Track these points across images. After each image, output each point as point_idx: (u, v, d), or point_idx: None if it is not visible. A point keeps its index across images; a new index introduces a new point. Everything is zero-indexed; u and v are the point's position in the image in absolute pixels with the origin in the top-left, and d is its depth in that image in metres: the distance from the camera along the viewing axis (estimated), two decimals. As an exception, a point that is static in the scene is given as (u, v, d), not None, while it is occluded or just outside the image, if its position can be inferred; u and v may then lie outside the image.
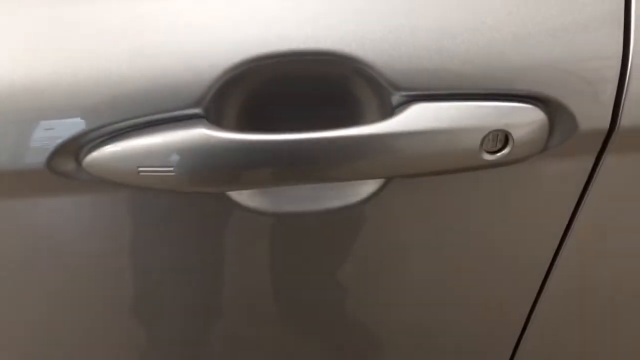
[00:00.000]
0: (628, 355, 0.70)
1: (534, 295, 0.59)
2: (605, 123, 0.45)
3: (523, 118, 0.44)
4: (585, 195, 0.50)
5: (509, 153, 0.44)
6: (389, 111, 0.44)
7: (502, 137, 0.44)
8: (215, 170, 0.43)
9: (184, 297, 0.57)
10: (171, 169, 0.43)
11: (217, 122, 0.43)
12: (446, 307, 0.61)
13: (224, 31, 0.42)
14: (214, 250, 0.53)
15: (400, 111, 0.43)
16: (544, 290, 0.58)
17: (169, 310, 0.58)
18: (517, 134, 0.44)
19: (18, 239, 0.50)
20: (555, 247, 0.54)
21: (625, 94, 0.45)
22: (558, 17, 0.43)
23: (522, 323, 0.62)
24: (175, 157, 0.43)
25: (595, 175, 0.49)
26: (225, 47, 0.42)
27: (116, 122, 0.42)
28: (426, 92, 0.43)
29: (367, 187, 0.49)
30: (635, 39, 0.44)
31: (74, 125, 0.42)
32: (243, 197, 0.48)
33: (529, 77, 0.43)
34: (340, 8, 0.42)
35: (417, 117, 0.43)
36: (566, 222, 0.53)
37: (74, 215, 0.49)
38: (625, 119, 0.45)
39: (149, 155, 0.43)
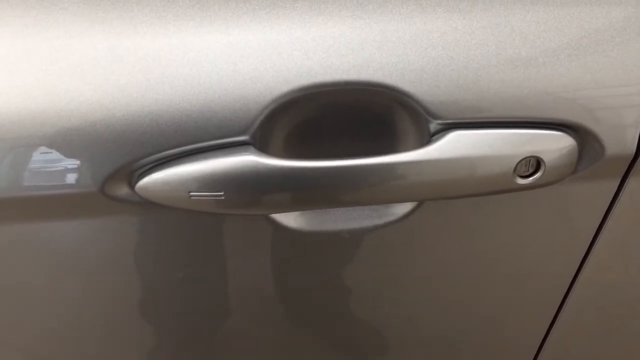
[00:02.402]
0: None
1: (555, 311, 0.61)
2: (632, 148, 0.48)
3: (554, 145, 0.46)
4: (609, 216, 0.53)
5: (540, 177, 0.47)
6: (426, 139, 0.46)
7: (534, 162, 0.46)
8: (261, 194, 0.46)
9: (225, 315, 0.59)
10: (221, 193, 0.45)
11: (263, 149, 0.45)
12: (471, 321, 0.64)
13: (270, 61, 0.44)
14: (255, 269, 0.55)
15: (438, 139, 0.45)
16: (563, 307, 0.61)
17: (212, 330, 0.61)
18: (548, 159, 0.46)
19: (68, 259, 0.52)
20: (577, 265, 0.57)
21: (651, 120, 0.47)
22: (586, 45, 0.45)
23: (541, 338, 0.65)
24: (224, 182, 0.45)
25: (619, 197, 0.52)
26: (271, 77, 0.44)
27: (168, 149, 0.45)
28: (462, 120, 0.46)
29: (403, 207, 0.51)
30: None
31: (128, 152, 0.44)
32: (283, 217, 0.50)
33: (560, 105, 0.46)
34: (382, 40, 0.44)
35: (453, 144, 0.45)
36: (589, 242, 0.55)
37: (127, 235, 0.52)
38: (650, 145, 0.48)
39: (200, 180, 0.45)
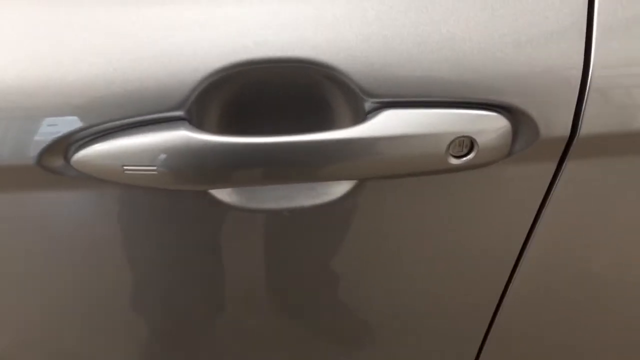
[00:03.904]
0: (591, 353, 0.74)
1: (500, 291, 0.62)
2: (566, 131, 0.48)
3: (488, 125, 0.46)
4: (548, 199, 0.53)
5: (473, 158, 0.47)
6: (361, 117, 0.46)
7: (468, 143, 0.47)
8: (195, 170, 0.46)
9: (168, 291, 0.60)
10: (154, 168, 0.45)
11: (198, 124, 0.45)
12: (413, 304, 0.64)
13: (205, 37, 0.44)
14: (196, 244, 0.55)
15: (372, 117, 0.46)
16: (508, 288, 0.61)
17: (155, 304, 0.61)
18: (481, 140, 0.46)
19: (7, 233, 0.52)
20: (519, 247, 0.57)
21: (586, 102, 0.47)
22: (522, 28, 0.45)
23: (487, 324, 0.65)
24: (158, 157, 0.45)
25: (557, 180, 0.52)
26: (206, 52, 0.44)
27: (103, 123, 0.45)
28: (397, 99, 0.46)
29: (341, 187, 0.51)
30: (596, 50, 0.46)
31: (63, 125, 0.45)
32: (222, 194, 0.50)
33: (494, 86, 0.46)
34: (315, 16, 0.44)
35: (387, 123, 0.45)
36: (530, 224, 0.55)
37: (63, 210, 0.52)
38: (585, 127, 0.48)
39: (134, 154, 0.45)
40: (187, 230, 0.54)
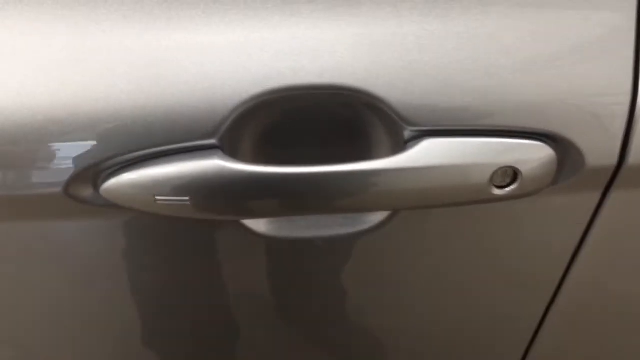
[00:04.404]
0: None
1: (539, 317, 0.60)
2: (613, 160, 0.46)
3: (532, 155, 0.44)
4: (591, 228, 0.51)
5: (517, 188, 0.45)
6: (401, 146, 0.44)
7: (511, 173, 0.45)
8: (228, 200, 0.44)
9: (196, 321, 0.58)
10: (187, 198, 0.44)
11: (232, 153, 0.44)
12: (452, 327, 0.62)
13: (239, 63, 0.42)
14: (225, 272, 0.54)
15: (412, 146, 0.44)
16: (547, 315, 0.59)
17: (181, 331, 0.60)
18: (525, 170, 0.44)
19: (33, 261, 0.51)
20: (561, 275, 0.55)
21: (634, 131, 0.45)
22: (568, 55, 0.44)
23: (526, 346, 0.64)
24: (190, 187, 0.44)
25: (601, 209, 0.50)
26: (240, 79, 0.42)
27: (134, 151, 0.44)
28: (437, 128, 0.44)
29: (377, 216, 0.50)
30: (644, 77, 0.45)
31: (93, 153, 0.43)
32: (254, 223, 0.49)
33: (538, 114, 0.44)
34: (354, 42, 0.43)
35: (428, 152, 0.44)
36: (572, 251, 0.53)
37: (90, 238, 0.51)
38: (633, 156, 0.46)
39: (166, 184, 0.44)
40: (218, 258, 0.53)
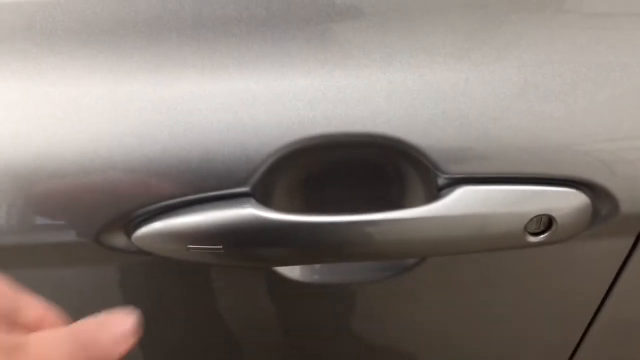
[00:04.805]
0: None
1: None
2: (647, 206, 0.46)
3: (568, 202, 0.44)
4: (623, 271, 0.51)
5: (551, 235, 0.45)
6: (434, 193, 0.44)
7: (546, 220, 0.45)
8: (261, 249, 0.44)
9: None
10: (219, 246, 0.44)
11: (265, 201, 0.44)
12: None
13: (273, 111, 0.42)
14: (257, 317, 0.54)
15: (446, 194, 0.44)
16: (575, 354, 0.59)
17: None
18: (560, 217, 0.44)
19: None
20: (588, 321, 0.55)
21: (667, 176, 0.45)
22: (603, 102, 0.43)
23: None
24: (223, 236, 0.43)
25: (634, 253, 0.50)
26: (274, 127, 0.42)
27: (166, 200, 0.43)
28: (472, 175, 0.44)
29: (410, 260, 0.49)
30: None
31: (125, 202, 0.43)
32: (284, 269, 0.49)
33: (574, 161, 0.44)
34: (389, 91, 0.43)
35: (462, 200, 0.43)
36: (600, 300, 0.53)
37: (127, 282, 0.50)
38: (666, 202, 0.46)
39: (199, 233, 0.43)
40: (249, 304, 0.52)
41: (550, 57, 0.43)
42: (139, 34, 0.42)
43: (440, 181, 0.44)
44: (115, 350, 0.31)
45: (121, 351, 0.31)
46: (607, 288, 0.53)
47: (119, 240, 0.45)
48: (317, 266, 0.49)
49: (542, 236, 0.45)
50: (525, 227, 0.44)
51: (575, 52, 0.43)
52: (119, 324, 0.32)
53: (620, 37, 0.43)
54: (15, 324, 0.31)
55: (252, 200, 0.43)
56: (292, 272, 0.49)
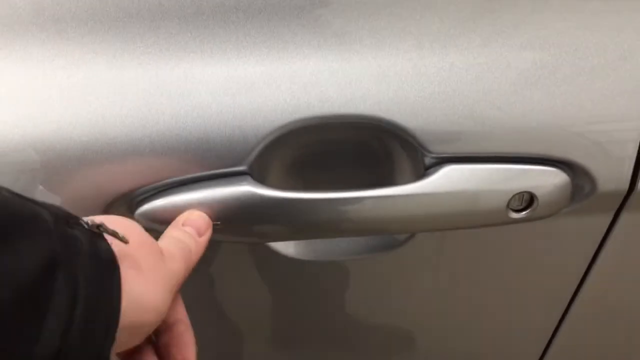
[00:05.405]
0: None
1: (550, 333, 0.62)
2: (625, 185, 0.48)
3: (548, 180, 0.47)
4: (602, 247, 0.53)
5: (532, 212, 0.47)
6: (421, 172, 0.47)
7: (528, 197, 0.47)
8: (257, 225, 0.47)
9: (223, 344, 0.60)
10: (218, 222, 0.46)
11: (261, 179, 0.46)
12: (473, 337, 0.64)
13: (269, 94, 0.45)
14: (253, 293, 0.56)
15: (433, 172, 0.46)
16: (554, 339, 0.62)
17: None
18: (541, 194, 0.47)
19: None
20: (569, 298, 0.58)
21: (645, 156, 0.47)
22: (583, 84, 0.46)
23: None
24: (221, 212, 0.46)
25: (612, 231, 0.52)
26: (269, 109, 0.45)
27: (167, 178, 0.46)
28: (457, 155, 0.46)
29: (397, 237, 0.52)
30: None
31: (128, 181, 0.45)
32: (280, 245, 0.51)
33: (555, 141, 0.46)
34: (379, 75, 0.45)
35: (448, 178, 0.46)
36: (581, 275, 0.56)
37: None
38: (643, 181, 0.48)
39: (198, 209, 0.46)
40: (245, 280, 0.55)
41: (532, 42, 0.45)
42: (142, 21, 0.44)
43: (427, 160, 0.47)
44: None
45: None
46: (587, 264, 0.55)
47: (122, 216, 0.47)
48: (310, 243, 0.52)
49: (524, 213, 0.47)
50: (508, 204, 0.47)
51: (556, 37, 0.45)
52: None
53: (599, 23, 0.45)
54: None
55: (249, 179, 0.46)
56: (286, 248, 0.51)
